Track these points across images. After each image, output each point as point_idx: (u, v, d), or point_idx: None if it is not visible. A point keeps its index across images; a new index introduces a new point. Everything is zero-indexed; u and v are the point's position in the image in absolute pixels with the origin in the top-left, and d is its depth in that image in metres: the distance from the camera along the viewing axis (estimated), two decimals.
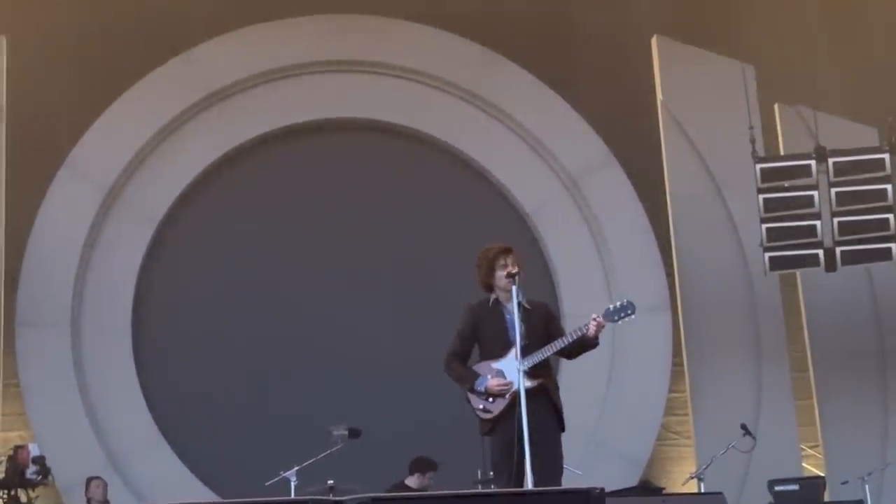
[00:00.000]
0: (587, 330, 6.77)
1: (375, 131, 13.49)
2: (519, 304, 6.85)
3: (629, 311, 6.86)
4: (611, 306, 6.92)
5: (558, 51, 13.63)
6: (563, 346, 6.82)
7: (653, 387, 12.87)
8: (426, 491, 10.53)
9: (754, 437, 11.10)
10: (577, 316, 12.63)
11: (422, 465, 10.63)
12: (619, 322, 6.90)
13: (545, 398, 6.83)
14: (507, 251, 6.96)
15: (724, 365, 12.71)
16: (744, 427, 11.12)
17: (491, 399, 6.86)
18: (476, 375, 6.93)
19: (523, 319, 6.82)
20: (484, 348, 7.02)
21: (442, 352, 7.21)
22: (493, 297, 6.99)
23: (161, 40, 13.06)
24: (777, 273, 12.35)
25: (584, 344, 6.88)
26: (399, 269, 13.01)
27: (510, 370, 6.79)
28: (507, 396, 6.79)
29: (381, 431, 11.20)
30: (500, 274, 6.91)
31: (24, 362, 12.29)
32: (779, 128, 13.24)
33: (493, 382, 6.85)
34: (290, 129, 13.32)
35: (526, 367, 6.72)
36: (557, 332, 6.94)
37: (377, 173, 13.36)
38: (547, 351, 6.81)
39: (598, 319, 6.77)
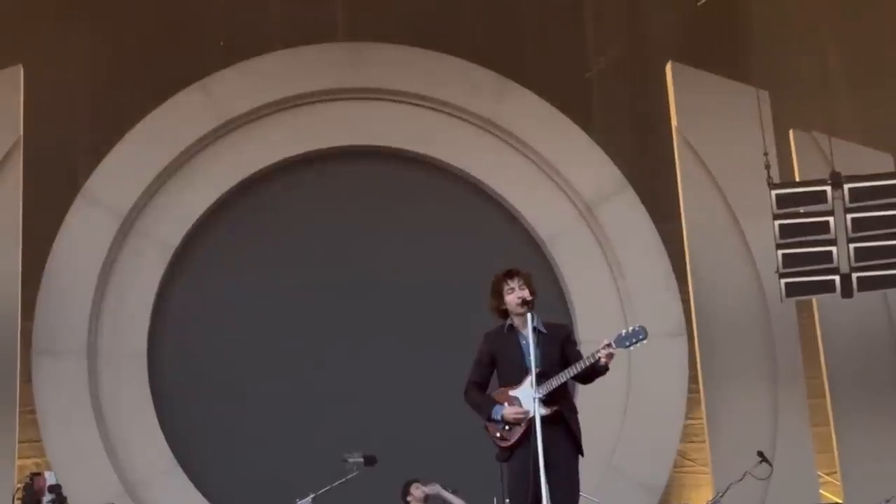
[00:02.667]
0: (598, 359, 6.76)
1: (390, 159, 13.52)
2: (534, 328, 6.84)
3: (641, 337, 6.84)
4: (622, 332, 6.90)
5: (573, 77, 13.65)
6: (575, 373, 6.81)
7: (669, 413, 12.82)
8: (428, 500, 10.54)
9: (771, 464, 11.05)
10: (593, 342, 12.60)
11: (405, 487, 10.60)
12: (632, 348, 6.88)
13: (562, 425, 6.82)
14: (509, 274, 6.97)
15: (740, 391, 12.66)
16: (760, 454, 11.08)
17: (508, 427, 6.86)
18: (493, 404, 6.93)
19: (538, 344, 6.81)
20: (501, 375, 7.02)
21: (458, 379, 7.21)
22: (507, 322, 6.99)
23: (177, 69, 13.13)
24: (793, 299, 12.31)
25: (595, 371, 6.87)
26: (414, 296, 13.00)
27: (526, 397, 6.78)
28: (524, 424, 6.78)
29: (397, 459, 11.16)
30: (509, 299, 6.92)
31: (41, 390, 12.30)
32: (794, 154, 13.21)
33: (508, 411, 6.85)
34: (305, 157, 13.36)
35: (541, 395, 6.71)
36: (573, 356, 6.92)
37: (392, 201, 13.38)
38: (561, 378, 6.80)
39: (610, 349, 6.75)
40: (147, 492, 12.28)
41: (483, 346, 7.07)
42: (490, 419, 6.91)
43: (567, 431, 6.85)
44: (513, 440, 6.85)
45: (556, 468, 6.65)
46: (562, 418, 6.83)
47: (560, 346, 6.94)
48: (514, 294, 6.89)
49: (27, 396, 12.26)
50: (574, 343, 7.08)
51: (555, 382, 6.76)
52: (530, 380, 6.74)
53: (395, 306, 12.96)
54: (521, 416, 6.77)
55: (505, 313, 6.97)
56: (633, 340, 6.81)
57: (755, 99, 12.64)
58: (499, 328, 7.01)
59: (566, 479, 6.77)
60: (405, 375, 12.64)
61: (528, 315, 6.83)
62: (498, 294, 6.95)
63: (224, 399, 12.64)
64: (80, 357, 12.40)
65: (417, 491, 10.52)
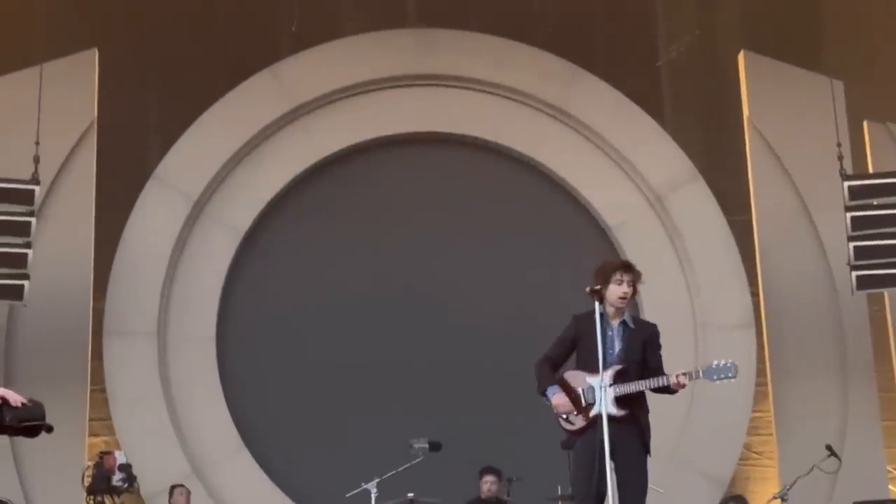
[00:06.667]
0: (670, 384, 6.80)
1: (458, 145, 13.53)
2: (623, 322, 6.88)
3: (731, 374, 6.88)
4: (714, 363, 6.93)
5: (643, 65, 13.57)
6: (650, 387, 6.85)
7: (736, 405, 12.71)
8: (498, 497, 10.57)
9: (839, 458, 10.94)
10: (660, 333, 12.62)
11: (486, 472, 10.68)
12: (717, 381, 6.91)
13: (633, 424, 6.82)
14: (627, 267, 7.01)
15: (808, 384, 12.54)
16: (829, 448, 10.97)
17: (576, 413, 6.89)
18: (551, 384, 6.99)
19: (624, 339, 6.84)
20: (580, 358, 7.05)
21: (525, 364, 7.25)
22: (599, 310, 6.98)
23: (249, 54, 13.22)
24: (864, 292, 12.16)
25: (666, 390, 6.92)
26: (481, 281, 13.00)
27: (603, 391, 6.81)
28: (591, 416, 6.80)
29: (462, 445, 11.19)
30: (614, 289, 6.93)
31: (111, 370, 12.44)
32: (868, 145, 13.05)
33: (557, 400, 6.91)
34: (374, 143, 13.40)
35: (617, 395, 6.75)
36: (653, 360, 6.95)
37: (460, 187, 13.40)
38: (638, 386, 6.83)
39: (680, 379, 6.77)
40: (214, 473, 12.39)
41: (570, 326, 7.09)
42: (542, 394, 6.99)
43: (637, 430, 6.85)
44: (578, 426, 6.88)
45: (626, 464, 6.66)
46: (634, 419, 6.84)
47: (643, 346, 6.95)
48: (622, 287, 6.91)
49: (98, 374, 12.41)
50: (658, 346, 7.08)
51: (632, 388, 6.79)
52: (605, 375, 6.76)
53: (463, 291, 12.96)
54: (565, 411, 6.84)
55: (600, 299, 6.97)
56: (722, 376, 6.86)
57: (829, 89, 12.47)
58: (589, 312, 7.00)
59: (635, 475, 6.78)
60: (473, 361, 12.64)
61: (598, 306, 6.88)
62: (606, 279, 6.96)
63: (291, 382, 12.73)
64: (150, 338, 12.53)
65: (494, 486, 10.62)
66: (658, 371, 6.88)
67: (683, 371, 6.78)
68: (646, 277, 12.92)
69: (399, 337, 12.81)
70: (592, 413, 6.78)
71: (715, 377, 6.87)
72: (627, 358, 6.84)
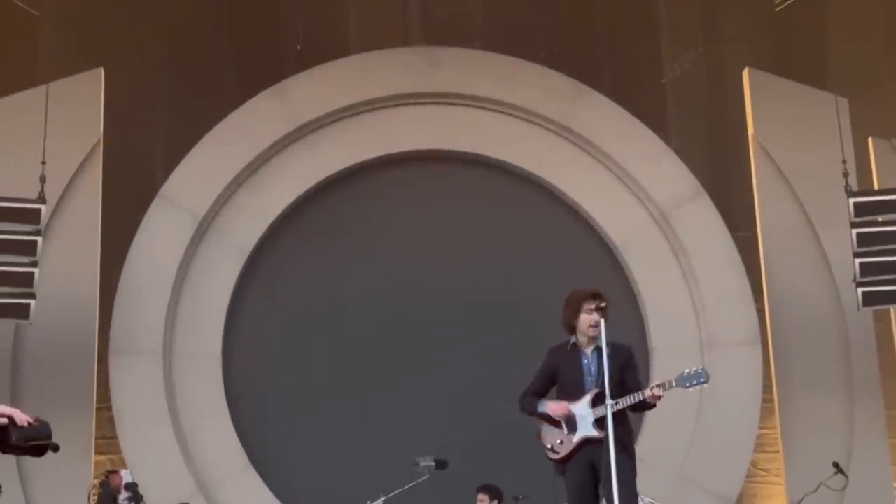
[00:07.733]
0: (646, 398, 6.87)
1: (463, 163, 13.55)
2: (598, 347, 6.93)
3: (702, 380, 6.98)
4: (685, 371, 7.04)
5: (647, 82, 13.60)
6: (627, 405, 6.91)
7: (742, 423, 12.71)
8: None
9: (847, 476, 10.92)
10: (665, 349, 12.66)
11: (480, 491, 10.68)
12: (691, 389, 7.00)
13: (617, 444, 6.87)
14: (595, 296, 7.04)
15: (815, 401, 12.52)
16: (836, 465, 10.96)
17: (560, 441, 6.99)
18: (539, 401, 7.10)
19: (599, 363, 6.91)
20: (560, 388, 7.17)
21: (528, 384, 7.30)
22: (572, 340, 7.08)
23: (254, 73, 13.27)
24: (870, 308, 12.15)
25: (644, 405, 6.99)
26: (486, 299, 13.01)
27: (581, 415, 6.91)
28: (575, 441, 6.91)
29: (468, 463, 11.18)
30: (585, 318, 6.99)
31: (117, 389, 12.46)
32: (873, 161, 13.05)
33: (552, 406, 7.00)
34: (379, 161, 13.42)
35: (597, 417, 6.84)
36: (629, 382, 7.04)
37: (464, 204, 13.41)
38: (615, 406, 6.88)
39: (655, 391, 6.82)
40: (220, 491, 12.39)
41: (546, 360, 7.22)
42: (533, 413, 7.07)
43: (621, 448, 6.90)
44: (563, 454, 6.99)
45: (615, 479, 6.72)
46: (618, 439, 6.90)
47: (620, 369, 7.03)
48: (592, 316, 6.95)
49: (104, 393, 12.42)
50: (633, 368, 7.21)
51: (611, 408, 6.86)
52: (587, 399, 6.85)
53: (468, 310, 12.97)
54: (564, 411, 6.90)
55: (573, 329, 7.06)
56: (694, 382, 6.96)
57: (834, 106, 12.47)
58: (563, 344, 7.14)
59: (625, 485, 6.82)
60: (478, 380, 12.65)
61: (582, 338, 6.98)
62: (576, 310, 7.02)
63: (297, 400, 12.74)
64: (155, 357, 12.55)
65: None
66: (635, 391, 6.96)
67: (657, 383, 6.91)
68: (650, 294, 13.15)
69: (404, 354, 12.81)
70: (576, 438, 6.89)
71: (687, 384, 6.95)
72: (602, 382, 6.89)
